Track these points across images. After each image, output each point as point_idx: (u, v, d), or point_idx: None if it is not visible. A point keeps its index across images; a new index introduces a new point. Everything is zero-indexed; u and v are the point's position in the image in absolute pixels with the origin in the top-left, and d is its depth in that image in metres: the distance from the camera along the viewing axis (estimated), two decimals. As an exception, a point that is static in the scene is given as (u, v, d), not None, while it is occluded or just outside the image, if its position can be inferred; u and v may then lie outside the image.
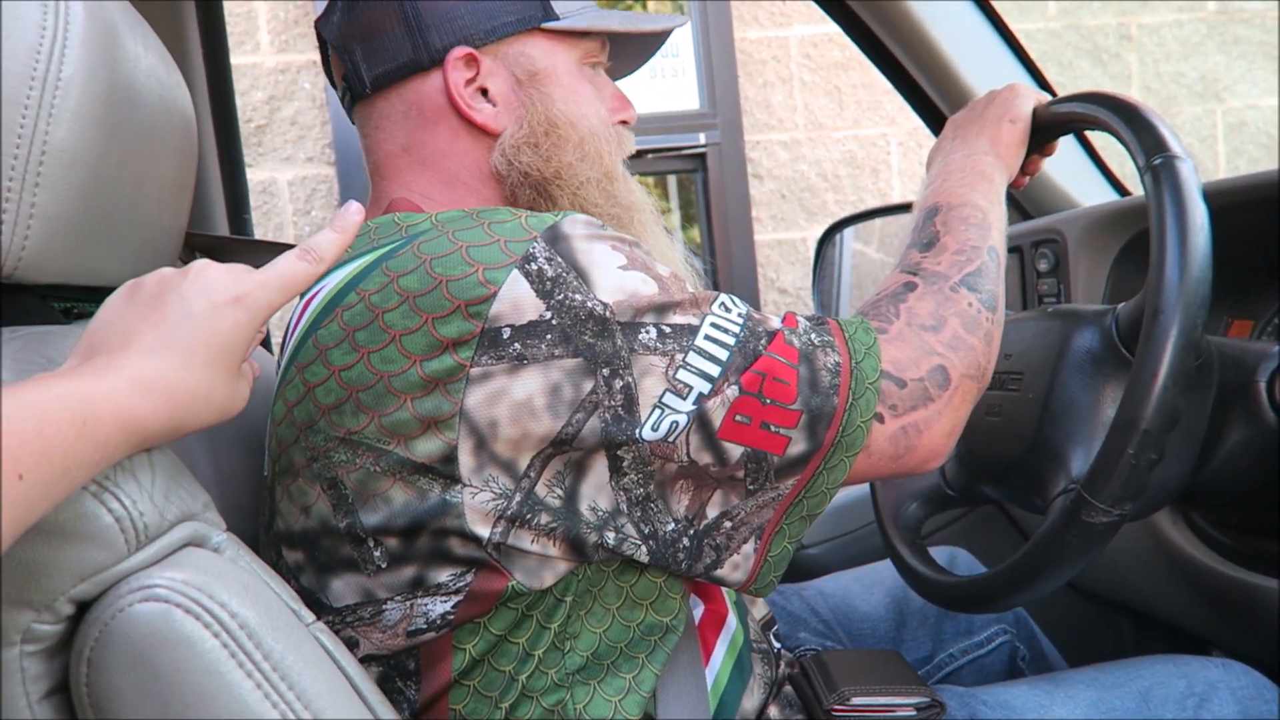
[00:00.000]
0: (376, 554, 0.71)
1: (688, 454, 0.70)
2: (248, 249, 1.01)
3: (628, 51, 0.96)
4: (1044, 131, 0.94)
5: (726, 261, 3.21)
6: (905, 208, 1.60)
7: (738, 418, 0.69)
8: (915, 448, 0.74)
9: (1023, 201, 1.45)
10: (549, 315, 0.67)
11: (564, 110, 0.85)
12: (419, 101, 0.85)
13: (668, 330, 0.69)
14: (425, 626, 0.72)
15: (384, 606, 0.72)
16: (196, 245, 0.98)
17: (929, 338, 0.76)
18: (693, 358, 0.69)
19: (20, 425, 0.46)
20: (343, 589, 0.72)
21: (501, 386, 0.67)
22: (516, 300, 0.67)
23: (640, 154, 3.51)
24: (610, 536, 0.71)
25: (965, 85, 1.38)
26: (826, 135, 3.32)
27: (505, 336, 0.67)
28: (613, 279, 0.70)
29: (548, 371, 0.67)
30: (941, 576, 0.96)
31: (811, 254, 1.94)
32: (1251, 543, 1.07)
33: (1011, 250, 1.39)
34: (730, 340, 0.70)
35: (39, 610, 0.52)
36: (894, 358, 0.74)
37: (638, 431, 0.68)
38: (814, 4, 1.44)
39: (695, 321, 0.70)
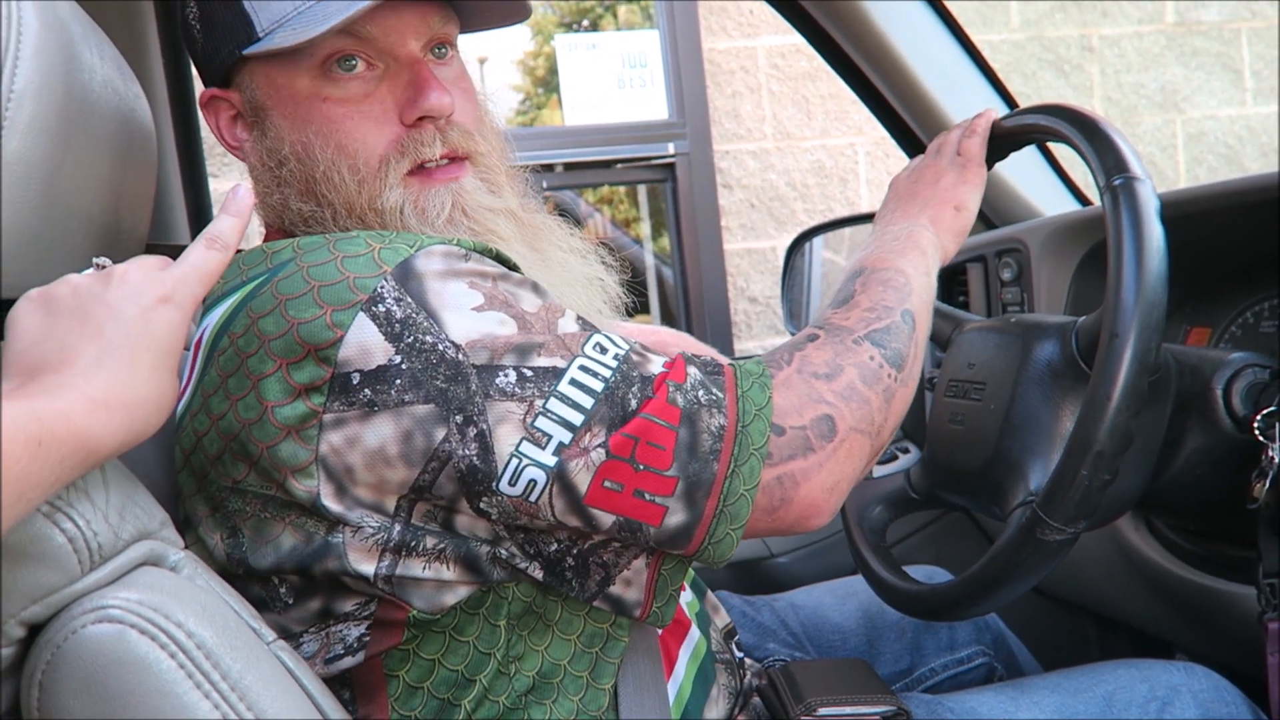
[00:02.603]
0: (282, 590, 0.70)
1: (554, 516, 0.66)
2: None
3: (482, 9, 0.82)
4: (1006, 141, 0.95)
5: (696, 271, 3.22)
6: (873, 216, 1.61)
7: (606, 483, 0.65)
8: (792, 500, 0.69)
9: (987, 211, 1.46)
10: (398, 360, 0.64)
11: (279, 145, 0.78)
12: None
13: (529, 374, 0.65)
14: (343, 651, 0.71)
15: (301, 640, 0.71)
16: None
17: (819, 385, 0.71)
18: (554, 404, 0.65)
19: None
20: None
21: (355, 433, 0.65)
22: (363, 344, 0.64)
23: (609, 164, 3.47)
24: (502, 552, 0.70)
25: (928, 96, 1.40)
26: (795, 145, 3.34)
27: (355, 382, 0.64)
28: (465, 321, 0.65)
29: (399, 419, 0.64)
30: (904, 583, 0.96)
31: (781, 262, 1.94)
32: (1211, 547, 1.08)
33: (975, 259, 1.41)
34: (598, 385, 0.66)
35: (-11, 633, 0.51)
36: (776, 404, 0.69)
37: (495, 484, 0.65)
38: (781, 15, 1.45)
39: (561, 364, 0.66)
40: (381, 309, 0.65)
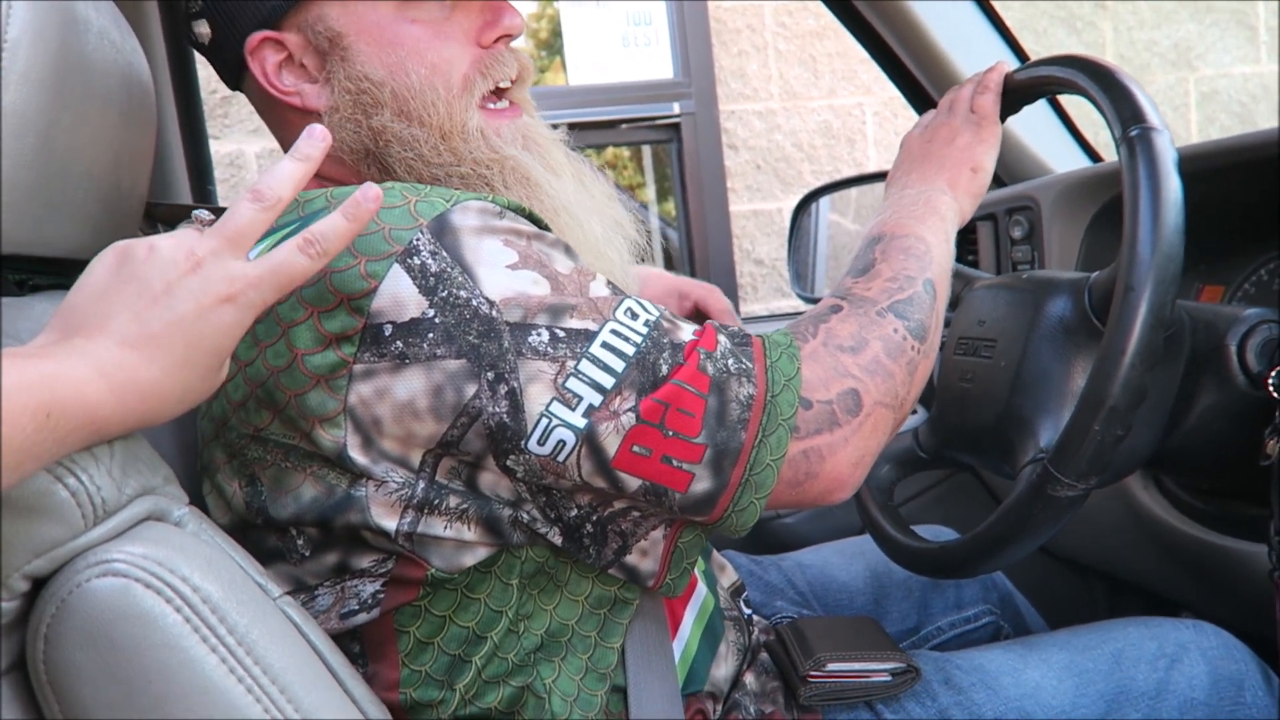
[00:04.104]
0: (299, 542, 0.70)
1: (580, 476, 0.67)
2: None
3: None
4: (1020, 94, 0.93)
5: (702, 232, 3.20)
6: (880, 176, 1.59)
7: (635, 448, 0.65)
8: (817, 475, 0.70)
9: (998, 168, 1.44)
10: (431, 313, 0.64)
11: (370, 70, 0.77)
12: (258, 94, 0.81)
13: (561, 335, 0.65)
14: (358, 607, 0.71)
15: (315, 593, 0.71)
16: (157, 216, 0.96)
17: (845, 359, 0.71)
18: (585, 366, 0.65)
19: None
20: (272, 578, 0.71)
21: (384, 385, 0.64)
22: (397, 296, 0.64)
23: (614, 124, 3.43)
24: (524, 515, 0.70)
25: (940, 52, 1.38)
26: (802, 105, 3.30)
27: (387, 334, 0.64)
28: (499, 278, 0.65)
29: (429, 372, 0.64)
30: (911, 541, 0.96)
31: (787, 224, 1.93)
32: (1221, 506, 1.08)
33: (986, 217, 1.39)
34: (629, 350, 0.66)
35: (-7, 587, 0.51)
36: (803, 377, 0.70)
37: (524, 442, 0.65)
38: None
39: (593, 327, 0.66)
40: (416, 261, 0.64)
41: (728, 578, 0.96)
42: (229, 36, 0.79)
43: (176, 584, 0.53)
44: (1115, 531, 1.23)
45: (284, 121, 0.82)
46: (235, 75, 0.82)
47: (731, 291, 3.20)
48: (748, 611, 0.95)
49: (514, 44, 0.84)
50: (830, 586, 1.15)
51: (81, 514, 0.52)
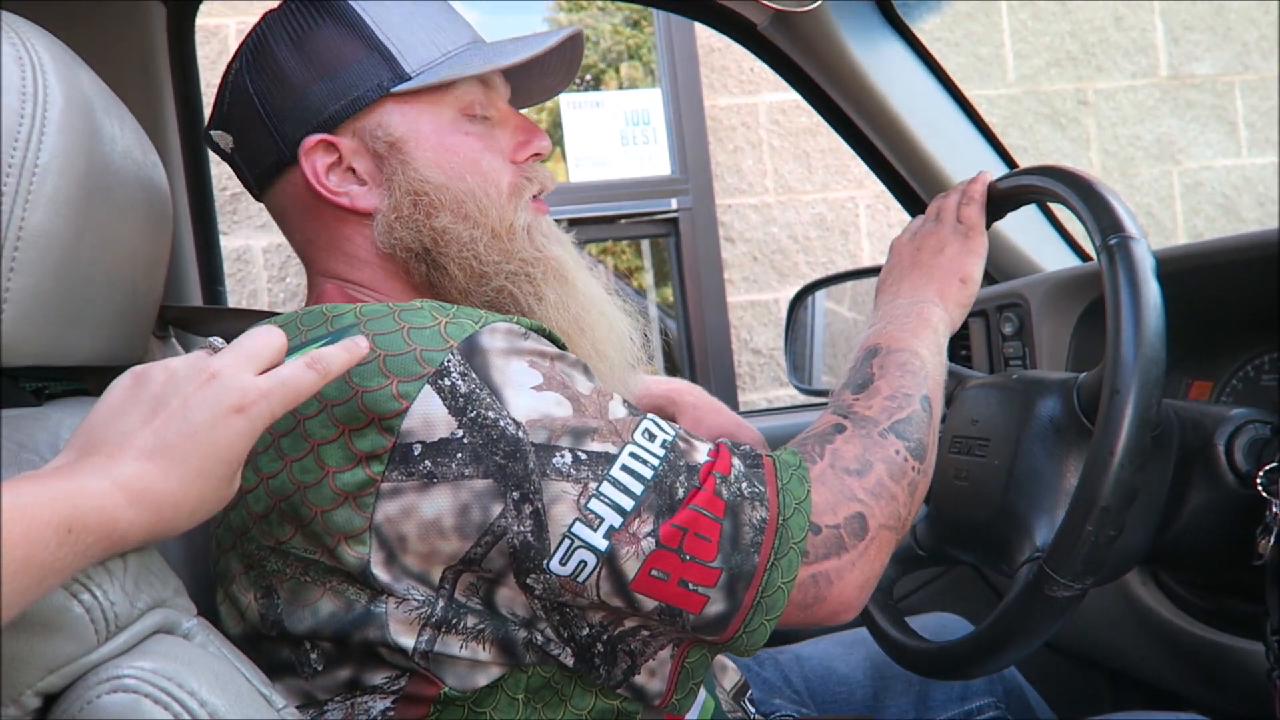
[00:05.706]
0: (313, 656, 0.70)
1: (598, 596, 0.67)
2: (220, 319, 1.01)
3: (529, 80, 0.91)
4: (1003, 202, 0.96)
5: (700, 323, 3.24)
6: (875, 271, 1.62)
7: (654, 572, 0.66)
8: (825, 599, 0.71)
9: (988, 267, 1.48)
10: (460, 433, 0.65)
11: (430, 174, 0.80)
12: (296, 194, 0.83)
13: (583, 457, 0.66)
14: None
15: (325, 709, 0.71)
16: (170, 318, 0.98)
17: (851, 482, 0.73)
18: (606, 488, 0.66)
19: (10, 530, 0.45)
20: (282, 692, 0.70)
21: (411, 504, 0.65)
22: (428, 417, 0.65)
23: (613, 219, 3.50)
24: (538, 636, 0.70)
25: (926, 153, 1.42)
26: (796, 198, 3.38)
27: (416, 453, 0.65)
28: (526, 400, 0.67)
29: (457, 492, 0.65)
30: (912, 641, 0.96)
31: (784, 314, 1.95)
32: (1218, 601, 1.08)
33: (977, 314, 1.42)
34: (647, 473, 0.67)
35: (4, 704, 0.51)
36: (813, 501, 0.71)
37: (546, 562, 0.66)
38: (779, 75, 1.48)
39: (613, 450, 0.67)
40: (447, 383, 0.66)
41: (730, 679, 0.95)
42: (271, 141, 0.81)
43: (184, 699, 0.53)
44: (1116, 626, 1.22)
45: (321, 222, 0.83)
46: (267, 178, 0.84)
47: (729, 381, 3.22)
48: (752, 710, 0.94)
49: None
50: (829, 680, 1.13)
51: (94, 630, 0.52)
